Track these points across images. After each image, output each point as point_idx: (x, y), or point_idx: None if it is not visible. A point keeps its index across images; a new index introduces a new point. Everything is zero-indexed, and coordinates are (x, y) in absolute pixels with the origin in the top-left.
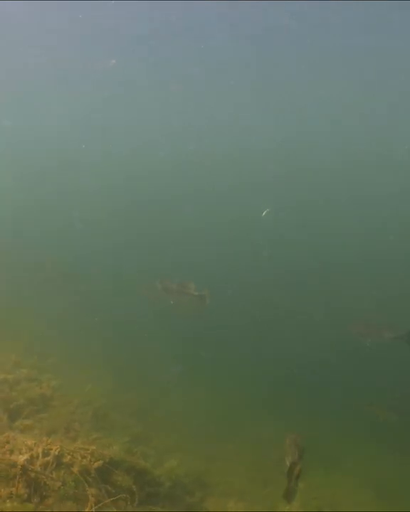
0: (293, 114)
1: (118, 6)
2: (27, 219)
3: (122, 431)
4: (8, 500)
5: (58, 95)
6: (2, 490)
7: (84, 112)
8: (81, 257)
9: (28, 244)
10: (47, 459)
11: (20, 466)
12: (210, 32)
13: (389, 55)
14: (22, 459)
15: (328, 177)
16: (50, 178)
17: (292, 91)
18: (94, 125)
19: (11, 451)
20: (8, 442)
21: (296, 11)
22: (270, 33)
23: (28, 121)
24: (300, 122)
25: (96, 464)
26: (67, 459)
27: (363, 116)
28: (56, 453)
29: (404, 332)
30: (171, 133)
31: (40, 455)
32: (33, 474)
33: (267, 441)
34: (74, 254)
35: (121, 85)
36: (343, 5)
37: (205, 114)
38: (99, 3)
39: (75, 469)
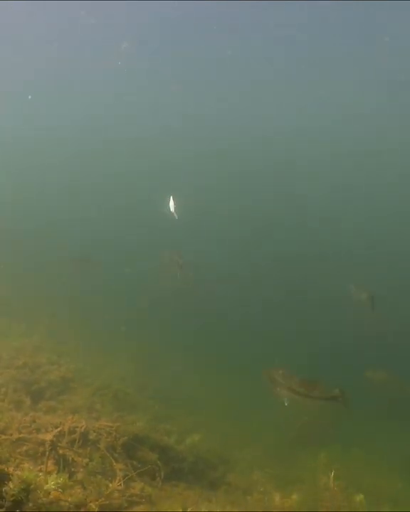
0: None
1: None
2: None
3: (142, 411)
4: (41, 474)
5: None
6: (31, 468)
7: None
8: (97, 242)
9: (43, 229)
10: (73, 436)
11: (49, 443)
12: None
13: None
14: (50, 436)
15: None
16: None
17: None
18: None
19: (38, 430)
20: (34, 422)
21: None
22: None
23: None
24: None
25: (121, 440)
26: (93, 436)
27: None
28: (82, 430)
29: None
30: None
31: (67, 433)
32: (61, 451)
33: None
34: (90, 239)
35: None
36: None
37: None
38: None
39: (102, 445)
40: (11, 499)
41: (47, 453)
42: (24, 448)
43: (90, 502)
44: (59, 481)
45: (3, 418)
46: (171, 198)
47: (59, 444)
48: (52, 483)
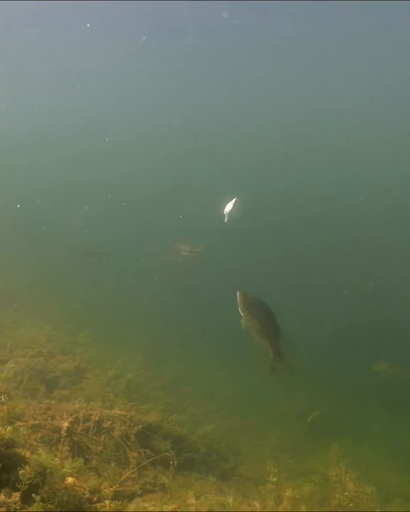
0: None
1: None
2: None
3: (155, 401)
4: (57, 459)
5: None
6: (46, 454)
7: None
8: (110, 236)
9: (54, 222)
10: (88, 424)
11: (65, 429)
12: None
13: None
14: (66, 423)
15: None
16: None
17: None
18: None
19: (53, 418)
20: (49, 409)
21: None
22: None
23: None
24: None
25: (135, 429)
26: (107, 424)
27: None
28: (96, 418)
29: None
30: None
31: (81, 420)
32: (76, 438)
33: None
34: (101, 232)
35: None
36: None
37: None
38: None
39: (116, 434)
40: (28, 482)
41: (62, 439)
42: (39, 434)
43: (105, 488)
44: (75, 465)
45: (18, 405)
46: (233, 200)
47: (74, 431)
48: (68, 467)
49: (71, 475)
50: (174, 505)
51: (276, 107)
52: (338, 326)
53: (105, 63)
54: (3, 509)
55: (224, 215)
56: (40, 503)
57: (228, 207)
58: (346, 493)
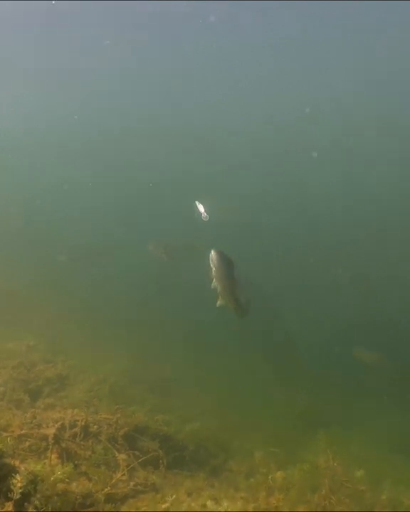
0: None
1: None
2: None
3: (140, 404)
4: (48, 465)
5: None
6: (36, 462)
7: None
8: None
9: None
10: (74, 430)
11: (52, 437)
12: None
13: None
14: (52, 430)
15: None
16: None
17: None
18: None
19: (39, 426)
20: (34, 418)
21: None
22: None
23: None
24: None
25: (122, 432)
26: (93, 428)
27: None
28: (83, 424)
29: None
30: None
31: (68, 427)
32: (63, 444)
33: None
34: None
35: None
36: None
37: None
38: None
39: (103, 438)
40: (19, 491)
41: (50, 447)
42: (27, 444)
43: (97, 492)
44: (65, 471)
45: (3, 416)
46: (198, 203)
47: (61, 438)
48: (59, 473)
49: (62, 481)
50: (167, 504)
51: (275, 107)
52: (336, 325)
53: (104, 63)
54: None
55: (202, 215)
56: (34, 511)
57: (201, 209)
58: (335, 478)
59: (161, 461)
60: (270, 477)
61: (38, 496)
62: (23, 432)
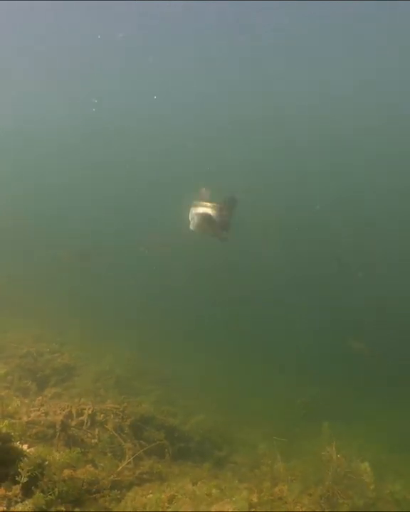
0: None
1: None
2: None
3: (145, 395)
4: (55, 451)
5: None
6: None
7: None
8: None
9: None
10: (81, 418)
11: (59, 424)
12: None
13: None
14: (59, 418)
15: None
16: None
17: None
18: None
19: (46, 413)
20: (42, 405)
21: None
22: None
23: None
24: None
25: (128, 421)
26: (100, 417)
27: None
28: (90, 412)
29: None
30: None
31: (75, 415)
32: (70, 432)
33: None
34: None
35: None
36: None
37: None
38: None
39: (109, 426)
40: (27, 475)
41: (57, 434)
42: (34, 431)
43: (103, 479)
44: (72, 456)
45: (11, 403)
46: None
47: (68, 425)
48: (66, 457)
49: (69, 465)
50: (172, 492)
51: (276, 107)
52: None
53: (104, 62)
54: (4, 502)
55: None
56: (41, 495)
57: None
58: (339, 470)
59: (166, 450)
60: (274, 467)
61: (45, 480)
62: (30, 418)
